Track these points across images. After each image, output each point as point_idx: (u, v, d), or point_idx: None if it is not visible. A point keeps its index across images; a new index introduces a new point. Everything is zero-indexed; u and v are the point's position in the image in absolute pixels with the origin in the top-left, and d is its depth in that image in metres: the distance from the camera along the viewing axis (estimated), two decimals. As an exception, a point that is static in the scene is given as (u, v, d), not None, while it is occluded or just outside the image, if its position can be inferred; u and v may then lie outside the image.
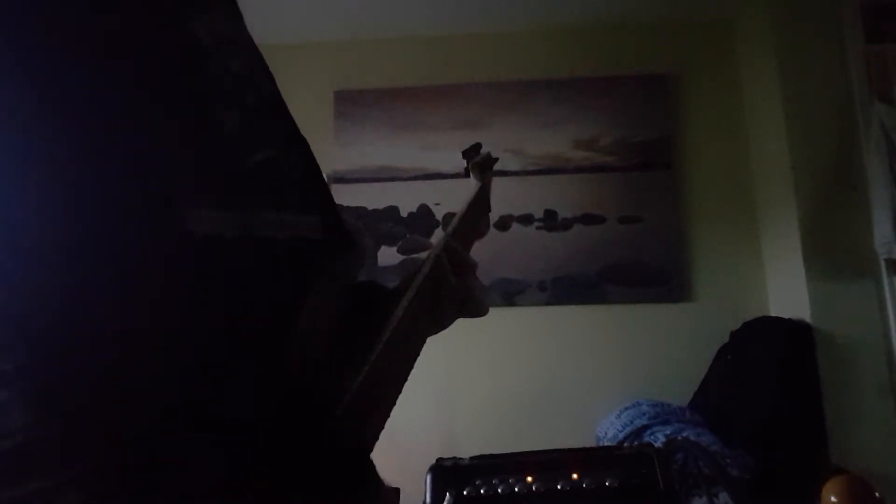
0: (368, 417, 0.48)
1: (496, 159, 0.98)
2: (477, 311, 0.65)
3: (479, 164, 0.94)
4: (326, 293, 0.44)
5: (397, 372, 0.53)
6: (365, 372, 0.47)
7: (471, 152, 0.97)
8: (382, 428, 0.49)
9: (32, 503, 0.25)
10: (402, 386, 0.53)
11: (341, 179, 2.53)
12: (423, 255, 0.65)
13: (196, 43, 0.37)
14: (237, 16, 0.43)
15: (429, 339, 0.61)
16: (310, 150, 0.48)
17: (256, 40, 0.46)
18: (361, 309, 0.53)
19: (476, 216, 0.80)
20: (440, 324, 0.63)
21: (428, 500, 1.47)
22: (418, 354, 0.58)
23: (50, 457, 0.26)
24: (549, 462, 1.54)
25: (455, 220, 0.74)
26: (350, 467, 0.40)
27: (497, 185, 2.82)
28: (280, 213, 0.39)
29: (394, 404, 0.51)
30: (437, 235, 2.51)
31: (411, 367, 0.55)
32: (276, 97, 0.45)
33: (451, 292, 0.62)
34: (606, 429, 2.20)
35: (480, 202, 0.84)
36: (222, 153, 0.37)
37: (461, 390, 2.38)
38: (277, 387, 0.36)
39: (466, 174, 0.95)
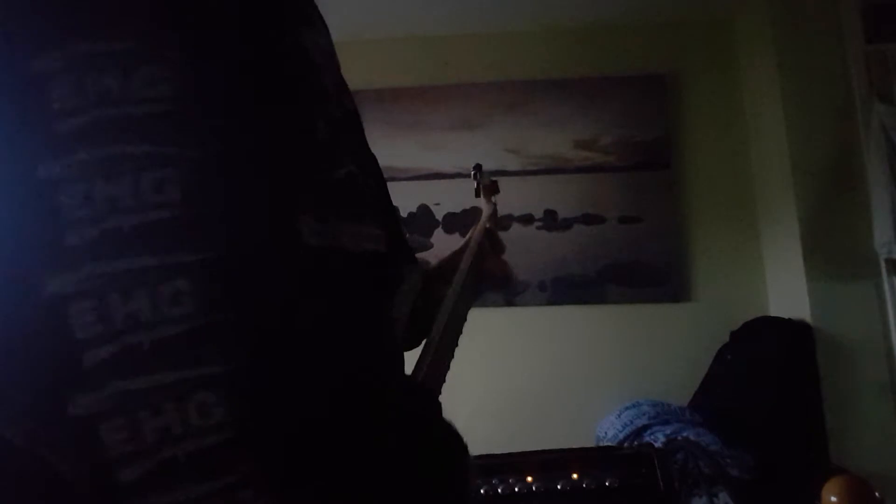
0: (439, 385, 0.53)
1: (496, 183, 1.08)
2: (513, 284, 0.76)
3: (488, 187, 1.03)
4: (399, 305, 0.47)
5: (454, 341, 0.59)
6: (434, 343, 0.52)
7: (480, 172, 1.06)
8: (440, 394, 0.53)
9: (214, 500, 0.27)
10: (454, 355, 0.59)
11: (341, 179, 2.52)
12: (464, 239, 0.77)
13: (306, 56, 0.38)
14: (327, 31, 0.45)
15: None
16: (379, 167, 0.51)
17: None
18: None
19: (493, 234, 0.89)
20: (478, 296, 0.72)
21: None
22: (464, 324, 0.65)
23: (241, 454, 0.28)
24: (549, 462, 1.55)
25: (483, 220, 0.85)
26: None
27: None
28: (358, 227, 0.40)
29: (447, 372, 0.56)
30: (438, 236, 2.52)
31: (460, 335, 0.62)
32: (355, 113, 0.47)
33: (494, 268, 0.76)
34: (606, 429, 2.20)
35: (494, 221, 0.94)
36: (319, 166, 0.38)
37: (461, 390, 2.37)
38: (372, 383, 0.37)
39: (477, 195, 1.05)
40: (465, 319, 0.65)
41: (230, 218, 0.30)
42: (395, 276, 0.49)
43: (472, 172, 1.07)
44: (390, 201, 0.53)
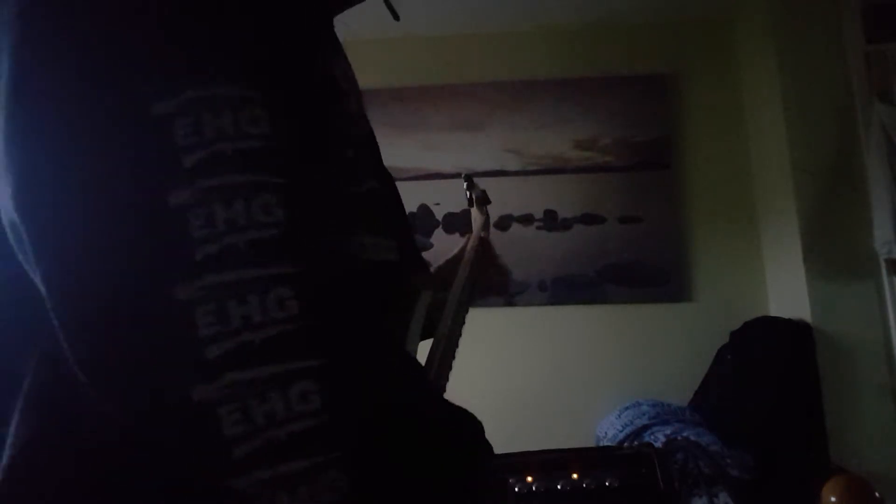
0: (444, 386, 0.58)
1: (486, 193, 1.12)
2: (507, 287, 0.91)
3: (480, 198, 1.06)
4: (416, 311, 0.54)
5: (455, 345, 0.64)
6: (440, 347, 0.57)
7: (472, 183, 1.09)
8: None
9: (305, 477, 0.31)
10: (455, 356, 0.64)
11: (341, 179, 2.52)
12: (456, 248, 0.84)
13: (336, 83, 0.44)
14: (346, 55, 0.50)
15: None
16: (393, 181, 0.57)
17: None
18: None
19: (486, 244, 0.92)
20: (473, 302, 0.78)
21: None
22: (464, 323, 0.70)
23: (333, 437, 0.32)
24: (549, 462, 1.55)
25: (477, 228, 0.91)
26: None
27: (497, 185, 2.81)
28: (378, 238, 0.46)
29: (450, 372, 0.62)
30: (438, 236, 2.52)
31: (460, 339, 0.67)
32: (373, 134, 0.52)
33: (494, 272, 0.86)
34: (606, 429, 2.20)
35: (487, 230, 0.98)
36: (350, 184, 0.44)
37: (461, 390, 2.36)
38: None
39: (470, 204, 1.08)
40: (464, 324, 0.70)
41: (316, 234, 0.35)
42: (408, 283, 0.54)
43: (464, 184, 1.10)
44: (405, 213, 0.59)
